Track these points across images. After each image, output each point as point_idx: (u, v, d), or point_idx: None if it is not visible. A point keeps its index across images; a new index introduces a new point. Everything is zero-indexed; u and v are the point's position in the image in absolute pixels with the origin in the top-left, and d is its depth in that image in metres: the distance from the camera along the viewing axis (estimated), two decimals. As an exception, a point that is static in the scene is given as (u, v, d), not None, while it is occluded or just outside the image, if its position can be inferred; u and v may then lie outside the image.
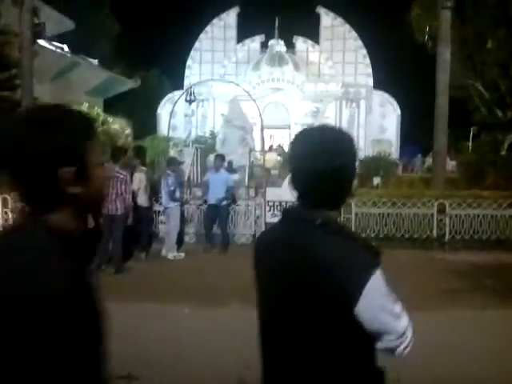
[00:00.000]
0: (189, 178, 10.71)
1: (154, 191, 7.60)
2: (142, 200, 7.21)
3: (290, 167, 1.26)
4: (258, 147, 16.21)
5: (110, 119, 12.58)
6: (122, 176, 6.47)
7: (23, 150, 0.90)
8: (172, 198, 7.32)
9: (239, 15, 26.26)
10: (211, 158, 12.90)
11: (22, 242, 0.90)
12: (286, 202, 8.58)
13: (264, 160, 12.18)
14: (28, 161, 0.91)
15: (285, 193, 8.64)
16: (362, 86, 24.93)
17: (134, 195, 6.99)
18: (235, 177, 10.68)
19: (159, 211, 8.31)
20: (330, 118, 24.37)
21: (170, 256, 7.30)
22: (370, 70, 25.10)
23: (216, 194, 7.86)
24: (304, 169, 1.21)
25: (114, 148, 7.97)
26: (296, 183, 1.25)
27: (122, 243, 6.51)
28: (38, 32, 11.46)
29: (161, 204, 7.86)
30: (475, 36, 19.69)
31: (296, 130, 24.59)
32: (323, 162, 1.18)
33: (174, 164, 7.68)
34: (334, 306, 1.10)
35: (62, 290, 0.83)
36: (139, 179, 7.17)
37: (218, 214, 7.99)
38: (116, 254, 6.48)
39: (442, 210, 8.36)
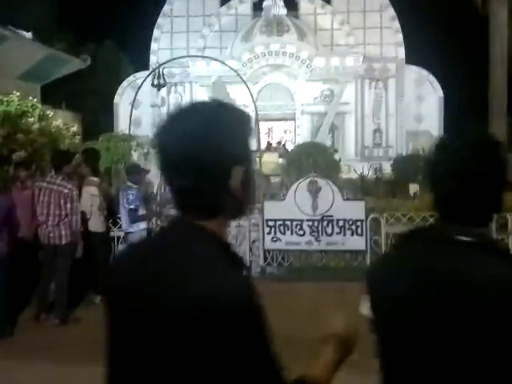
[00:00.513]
0: (158, 190, 10.68)
1: (111, 211, 7.57)
2: (96, 223, 7.18)
3: (431, 172, 1.47)
4: (251, 146, 16.23)
5: (51, 112, 12.54)
6: (66, 190, 6.43)
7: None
8: (134, 219, 7.27)
9: (223, -33, 26.52)
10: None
11: (198, 252, 1.12)
12: (292, 221, 8.60)
13: (261, 164, 12.21)
14: (209, 157, 1.14)
15: (290, 208, 8.66)
16: (390, 59, 25.14)
17: (84, 217, 6.97)
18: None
19: (119, 238, 8.25)
20: (348, 103, 24.54)
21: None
22: (400, 38, 25.30)
23: None
24: (457, 173, 1.39)
25: (56, 152, 7.95)
26: (441, 190, 1.44)
27: (69, 283, 6.45)
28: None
29: (120, 228, 7.82)
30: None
31: (303, 120, 24.79)
32: (486, 163, 1.39)
33: (136, 173, 7.65)
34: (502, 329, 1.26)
35: (251, 301, 1.08)
36: (90, 194, 7.14)
37: None
38: (60, 298, 6.41)
39: (503, 226, 8.35)
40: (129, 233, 7.31)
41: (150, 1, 27.24)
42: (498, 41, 12.25)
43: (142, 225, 7.24)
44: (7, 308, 5.95)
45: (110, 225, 7.82)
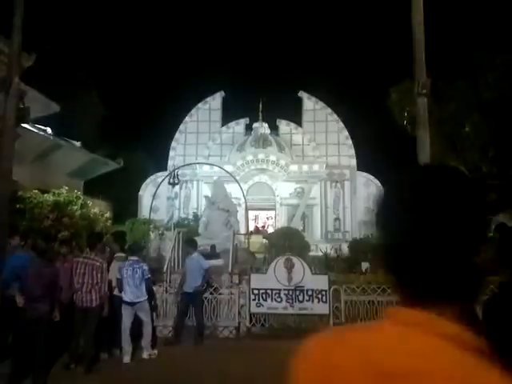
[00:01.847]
0: (169, 263, 10.50)
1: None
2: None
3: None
4: (242, 229, 16.19)
5: (90, 202, 12.57)
6: (98, 264, 6.34)
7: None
8: (149, 287, 7.01)
9: (224, 99, 27.72)
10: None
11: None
12: (272, 290, 8.45)
13: (249, 243, 12.11)
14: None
15: (271, 280, 8.54)
16: (345, 167, 25.79)
17: (111, 285, 6.78)
18: (219, 262, 10.54)
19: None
20: (315, 198, 24.83)
21: (145, 355, 6.79)
22: (352, 152, 26.11)
23: (190, 282, 7.66)
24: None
25: (91, 233, 7.89)
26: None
27: (95, 339, 6.18)
28: (21, 116, 11.79)
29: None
30: (452, 120, 20.89)
31: (281, 210, 24.94)
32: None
33: (140, 250, 7.38)
34: None
35: None
36: (118, 267, 6.99)
37: (192, 303, 7.78)
38: (87, 351, 6.12)
39: None
40: (139, 302, 6.76)
41: (170, 122, 28.19)
42: (422, 157, 12.65)
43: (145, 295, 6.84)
44: (43, 358, 5.65)
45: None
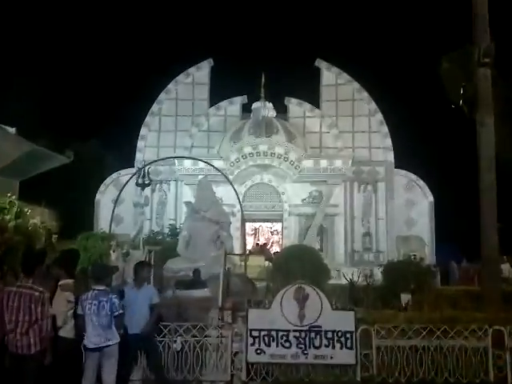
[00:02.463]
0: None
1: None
2: (67, 329, 6.96)
3: None
4: (237, 248, 16.21)
5: (28, 210, 12.58)
6: (37, 294, 6.35)
7: None
8: (120, 325, 7.01)
9: (213, 70, 27.81)
10: (171, 264, 12.85)
11: None
12: (278, 332, 8.43)
13: (246, 267, 12.14)
14: None
15: (276, 317, 8.52)
16: (379, 163, 25.85)
17: (55, 322, 6.78)
18: (205, 293, 10.53)
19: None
20: (337, 205, 24.89)
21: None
22: (389, 142, 26.17)
23: (138, 320, 7.60)
24: None
25: (28, 253, 7.88)
26: None
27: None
28: None
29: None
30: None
31: (290, 222, 24.96)
32: None
33: (107, 276, 7.33)
34: None
35: None
36: (67, 300, 6.98)
37: (144, 348, 7.74)
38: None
39: (498, 342, 8.25)
40: (107, 346, 6.73)
41: (138, 99, 28.27)
42: (485, 148, 12.70)
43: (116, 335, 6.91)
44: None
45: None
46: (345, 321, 8.57)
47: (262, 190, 25.40)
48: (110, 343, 6.74)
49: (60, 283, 7.26)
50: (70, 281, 7.28)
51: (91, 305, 6.74)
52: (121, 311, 6.89)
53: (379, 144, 26.20)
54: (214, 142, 26.55)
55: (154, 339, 7.99)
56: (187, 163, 24.59)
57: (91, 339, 6.69)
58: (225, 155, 24.45)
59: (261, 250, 23.41)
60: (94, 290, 6.86)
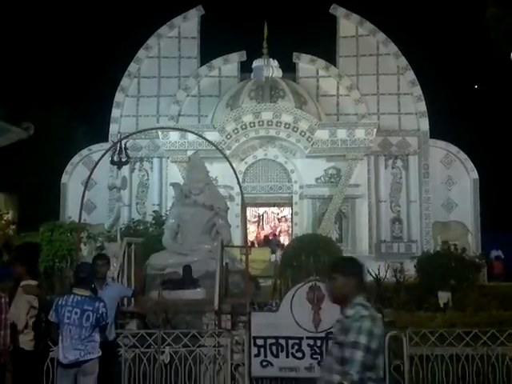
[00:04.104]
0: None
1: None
2: (27, 340, 7.00)
3: None
4: (237, 239, 16.24)
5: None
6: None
7: None
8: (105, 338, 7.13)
9: (204, 20, 27.67)
10: (156, 260, 12.93)
11: None
12: (288, 339, 8.47)
13: (247, 262, 12.16)
14: None
15: (285, 322, 8.56)
16: (411, 132, 25.79)
17: (16, 331, 6.82)
18: (198, 293, 10.58)
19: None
20: (360, 185, 24.89)
21: None
22: (423, 107, 26.07)
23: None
24: None
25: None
26: None
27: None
28: None
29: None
30: None
31: (302, 206, 24.99)
32: None
33: (88, 279, 7.17)
34: None
35: None
36: (30, 305, 7.01)
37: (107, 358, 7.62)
38: None
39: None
40: (84, 362, 6.67)
41: (112, 58, 28.13)
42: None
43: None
44: None
45: (49, 343, 7.58)
46: (370, 325, 8.61)
47: (267, 168, 25.35)
48: (91, 357, 6.68)
49: (22, 284, 7.31)
50: (34, 282, 7.31)
51: (71, 313, 6.67)
52: (107, 321, 6.94)
53: (411, 109, 26.11)
54: (206, 109, 26.52)
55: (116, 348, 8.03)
56: (174, 136, 24.55)
57: (67, 354, 6.63)
58: (220, 125, 24.39)
59: (266, 241, 23.50)
60: (75, 294, 6.79)
